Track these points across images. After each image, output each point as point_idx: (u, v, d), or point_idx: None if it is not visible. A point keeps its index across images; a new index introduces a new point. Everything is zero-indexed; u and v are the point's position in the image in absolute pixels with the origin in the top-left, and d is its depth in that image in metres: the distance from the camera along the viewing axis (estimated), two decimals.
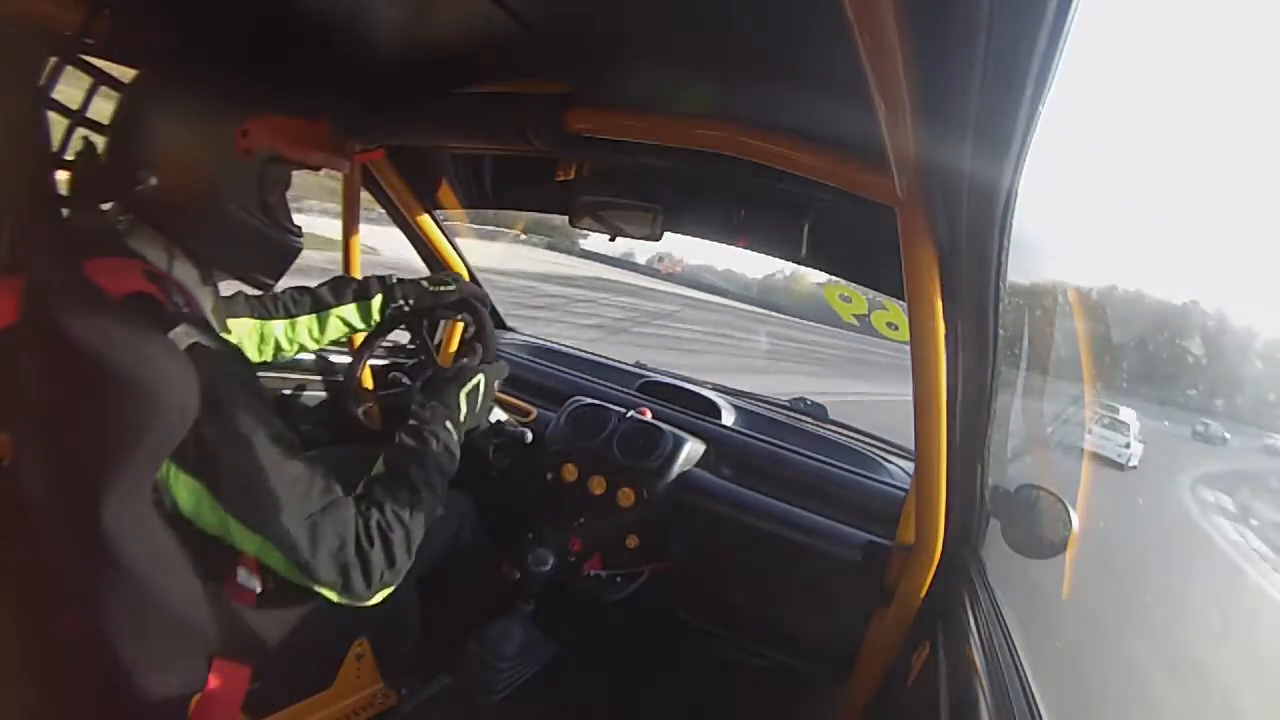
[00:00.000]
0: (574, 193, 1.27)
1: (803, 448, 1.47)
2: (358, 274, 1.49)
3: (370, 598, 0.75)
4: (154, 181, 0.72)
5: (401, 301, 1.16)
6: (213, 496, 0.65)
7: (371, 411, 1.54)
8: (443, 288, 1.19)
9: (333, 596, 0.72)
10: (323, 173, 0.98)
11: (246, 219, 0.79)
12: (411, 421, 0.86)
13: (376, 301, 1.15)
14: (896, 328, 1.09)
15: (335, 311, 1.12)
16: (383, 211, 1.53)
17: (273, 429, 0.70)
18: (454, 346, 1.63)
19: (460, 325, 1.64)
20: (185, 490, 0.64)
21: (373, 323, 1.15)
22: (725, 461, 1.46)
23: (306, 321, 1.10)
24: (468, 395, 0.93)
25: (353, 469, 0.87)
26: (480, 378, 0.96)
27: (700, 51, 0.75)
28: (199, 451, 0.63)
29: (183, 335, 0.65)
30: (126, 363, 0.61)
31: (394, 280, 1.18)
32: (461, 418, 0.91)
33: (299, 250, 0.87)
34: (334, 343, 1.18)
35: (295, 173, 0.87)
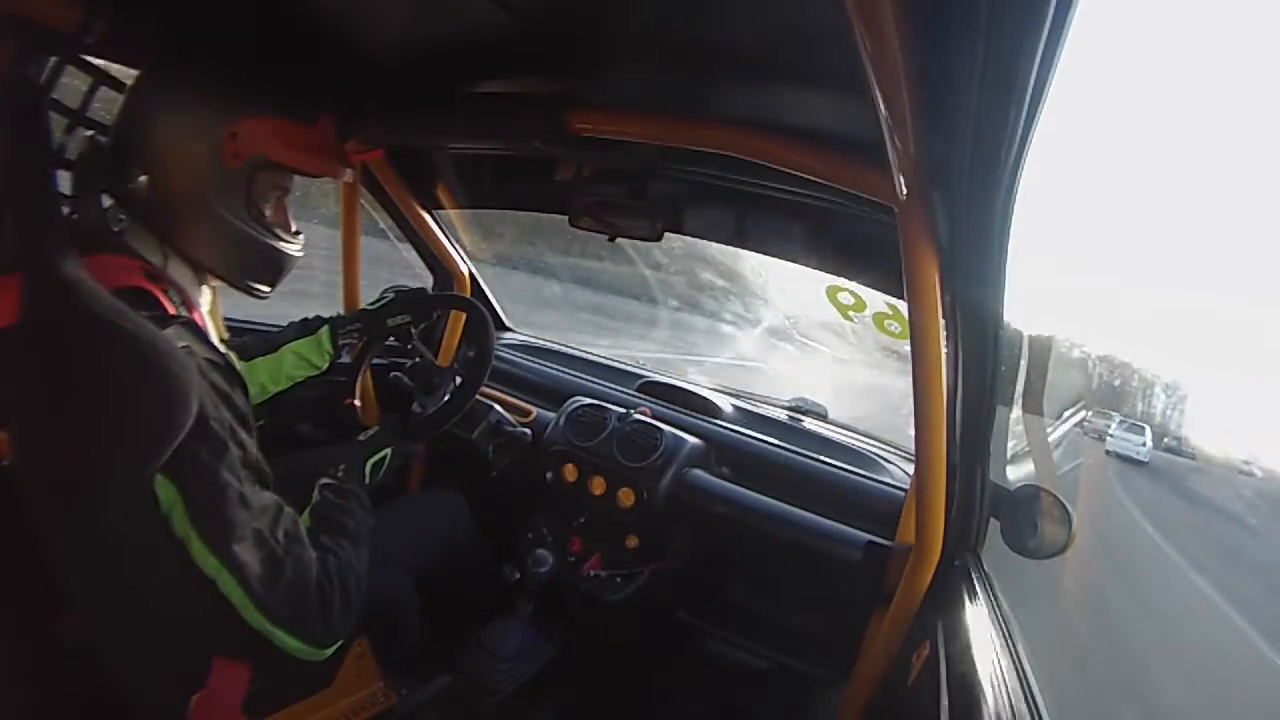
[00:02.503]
0: (574, 193, 1.27)
1: (802, 448, 1.47)
2: (358, 278, 1.49)
3: (325, 646, 0.72)
4: (143, 180, 0.72)
5: (351, 328, 1.17)
6: (183, 504, 0.63)
7: (370, 411, 1.54)
8: (397, 320, 1.20)
9: (287, 641, 0.68)
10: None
11: (236, 224, 0.78)
12: (326, 480, 0.86)
13: (324, 332, 1.14)
14: (896, 328, 1.09)
15: (287, 348, 1.11)
16: None
17: (249, 454, 0.69)
18: (455, 344, 1.64)
19: (461, 325, 1.64)
20: (163, 491, 0.63)
21: (326, 355, 1.14)
22: (725, 461, 1.46)
23: (262, 362, 1.09)
24: (373, 466, 0.95)
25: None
26: (388, 452, 0.97)
27: (701, 51, 0.75)
28: (176, 454, 0.62)
29: (174, 336, 0.65)
30: (118, 358, 0.61)
31: (339, 314, 1.20)
32: (366, 481, 0.93)
33: (294, 259, 0.85)
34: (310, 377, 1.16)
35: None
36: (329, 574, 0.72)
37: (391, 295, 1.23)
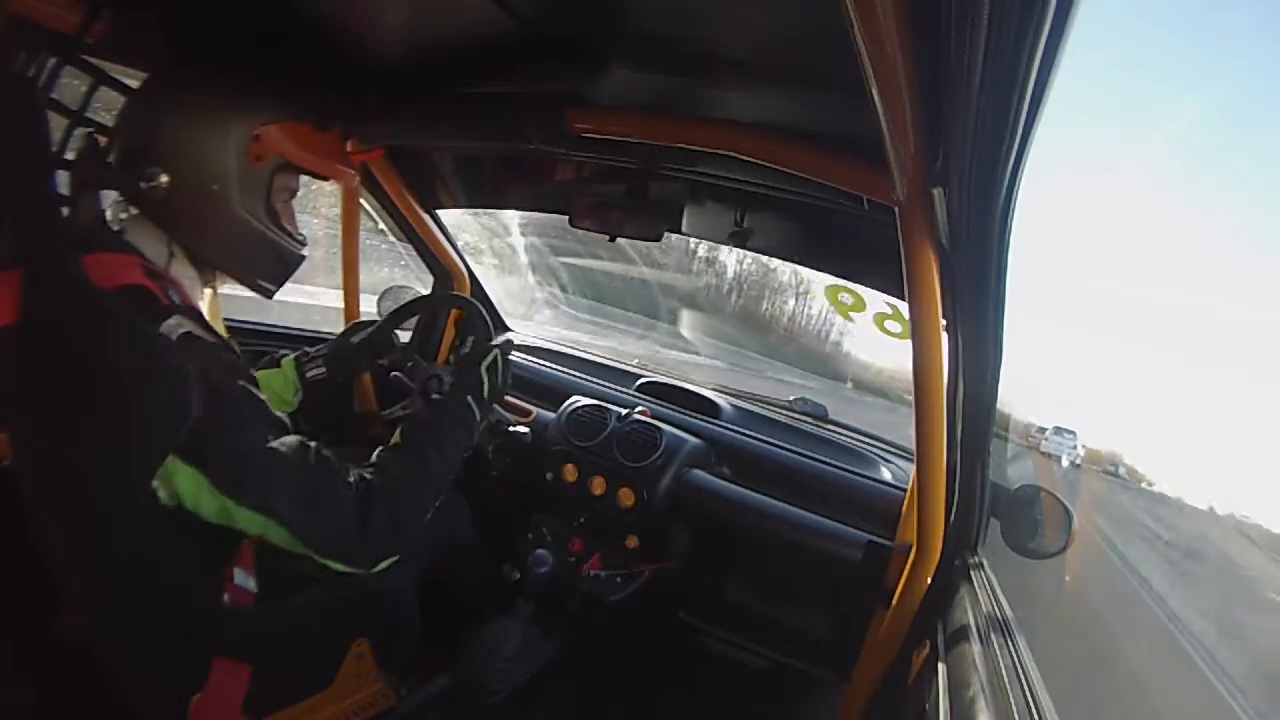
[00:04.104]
0: (574, 193, 1.26)
1: (802, 448, 1.47)
2: (356, 278, 1.49)
3: (374, 565, 0.76)
4: (164, 179, 0.72)
5: (315, 356, 1.14)
6: (210, 482, 0.65)
7: (371, 413, 1.54)
8: (360, 335, 1.20)
9: (337, 566, 0.73)
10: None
11: (253, 224, 0.80)
12: (434, 395, 0.88)
13: (287, 363, 1.12)
14: (897, 328, 1.09)
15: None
16: None
17: (263, 411, 0.71)
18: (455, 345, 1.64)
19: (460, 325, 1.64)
20: (185, 480, 0.64)
21: (293, 387, 1.11)
22: (725, 461, 1.46)
23: None
24: (488, 369, 0.98)
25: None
26: (496, 352, 1.01)
27: (701, 51, 0.75)
28: (193, 438, 0.63)
29: (175, 325, 0.65)
30: (118, 357, 0.61)
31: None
32: (485, 392, 0.96)
33: (301, 258, 0.88)
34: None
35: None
36: (371, 496, 0.75)
37: (394, 303, 1.24)
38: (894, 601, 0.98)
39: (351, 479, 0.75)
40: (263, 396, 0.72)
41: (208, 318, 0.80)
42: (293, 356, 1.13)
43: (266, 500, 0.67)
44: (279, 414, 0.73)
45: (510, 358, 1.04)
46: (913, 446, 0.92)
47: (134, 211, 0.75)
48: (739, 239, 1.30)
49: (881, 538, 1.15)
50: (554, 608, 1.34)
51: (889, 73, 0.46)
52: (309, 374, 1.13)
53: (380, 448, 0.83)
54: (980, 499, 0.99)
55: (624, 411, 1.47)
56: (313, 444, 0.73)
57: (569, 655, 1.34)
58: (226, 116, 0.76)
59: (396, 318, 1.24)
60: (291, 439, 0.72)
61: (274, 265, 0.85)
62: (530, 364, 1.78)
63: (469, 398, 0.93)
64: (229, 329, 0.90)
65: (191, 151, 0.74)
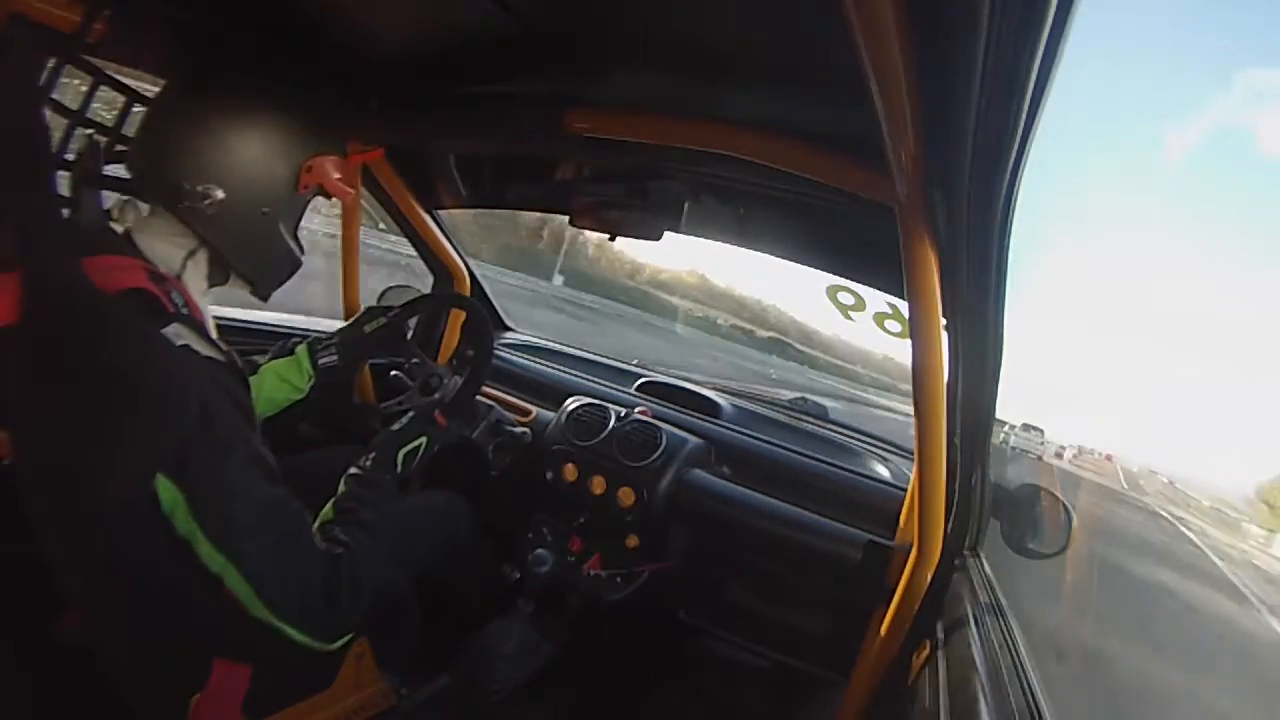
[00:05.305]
0: (574, 193, 1.27)
1: (802, 447, 1.47)
2: (356, 279, 1.49)
3: (332, 640, 0.73)
4: (220, 195, 0.73)
5: (328, 343, 1.14)
6: (186, 503, 0.63)
7: (368, 405, 1.54)
8: (373, 324, 1.18)
9: (294, 635, 0.69)
10: None
11: (288, 243, 0.84)
12: (353, 470, 0.87)
13: (301, 350, 1.11)
14: (897, 327, 1.09)
15: (267, 368, 1.08)
16: None
17: (253, 448, 0.69)
18: (455, 343, 1.64)
19: (460, 324, 1.64)
20: (165, 491, 0.62)
21: (306, 374, 1.11)
22: (725, 461, 1.46)
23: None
24: (405, 455, 0.94)
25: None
26: (423, 441, 0.96)
27: (700, 51, 0.75)
28: (177, 454, 0.62)
29: (174, 335, 0.65)
30: (119, 357, 0.61)
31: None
32: (398, 472, 0.92)
33: (300, 264, 0.90)
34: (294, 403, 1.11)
35: None
36: (338, 568, 0.72)
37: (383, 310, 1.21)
38: (894, 601, 0.98)
39: (323, 547, 0.73)
40: (255, 431, 0.70)
41: (208, 319, 0.80)
42: (306, 344, 1.13)
43: (234, 540, 0.64)
44: (265, 453, 0.70)
45: (434, 449, 0.99)
46: (913, 446, 0.92)
47: (145, 213, 0.75)
48: (740, 238, 1.30)
49: (881, 537, 1.15)
50: (554, 607, 1.34)
51: (889, 73, 0.46)
52: (321, 361, 1.12)
53: (318, 524, 0.79)
54: (980, 499, 0.99)
55: (624, 411, 1.47)
56: (294, 502, 0.71)
57: (569, 655, 1.34)
58: (294, 145, 0.79)
59: (409, 310, 1.23)
60: (275, 488, 0.69)
61: (286, 277, 0.89)
62: (530, 364, 1.78)
63: (386, 476, 0.90)
64: (225, 328, 0.90)
65: (253, 174, 0.76)
